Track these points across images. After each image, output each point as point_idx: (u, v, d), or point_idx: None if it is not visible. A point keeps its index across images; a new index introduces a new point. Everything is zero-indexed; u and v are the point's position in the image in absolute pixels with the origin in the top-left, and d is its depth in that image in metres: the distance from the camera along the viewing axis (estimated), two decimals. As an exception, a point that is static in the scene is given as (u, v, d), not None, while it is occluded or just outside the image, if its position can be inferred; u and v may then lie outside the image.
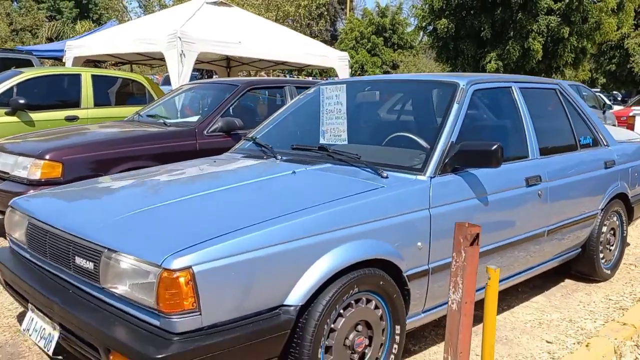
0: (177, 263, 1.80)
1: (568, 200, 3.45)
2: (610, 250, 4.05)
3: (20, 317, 3.10)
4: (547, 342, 3.02)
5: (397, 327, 2.40)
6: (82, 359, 2.18)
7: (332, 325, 2.17)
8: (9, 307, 3.25)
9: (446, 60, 22.38)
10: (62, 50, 11.38)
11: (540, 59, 20.51)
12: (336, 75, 9.21)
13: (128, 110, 7.50)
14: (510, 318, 3.34)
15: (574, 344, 2.97)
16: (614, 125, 12.19)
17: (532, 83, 3.62)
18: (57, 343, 2.16)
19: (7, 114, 6.68)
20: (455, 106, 2.90)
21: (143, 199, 2.49)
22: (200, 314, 1.83)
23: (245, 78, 6.07)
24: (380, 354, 2.37)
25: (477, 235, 1.64)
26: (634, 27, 26.62)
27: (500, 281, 3.11)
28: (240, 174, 2.89)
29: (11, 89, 6.85)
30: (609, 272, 4.01)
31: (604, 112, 11.76)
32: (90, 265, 2.08)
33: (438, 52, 22.43)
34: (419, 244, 2.48)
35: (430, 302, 2.64)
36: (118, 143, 4.55)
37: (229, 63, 11.30)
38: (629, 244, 4.98)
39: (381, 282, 2.30)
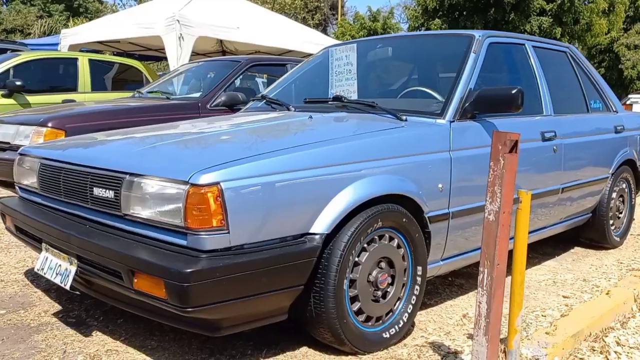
0: (205, 178, 1.75)
1: (581, 159, 3.44)
2: (619, 217, 4.04)
3: (28, 273, 3.03)
4: (564, 297, 2.99)
5: (419, 269, 2.36)
6: (100, 295, 2.12)
7: (357, 259, 2.12)
8: (15, 265, 3.17)
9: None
10: (56, 44, 11.29)
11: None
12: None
13: (125, 95, 7.45)
14: (526, 277, 3.30)
15: (591, 298, 2.94)
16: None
17: (544, 43, 3.60)
18: (74, 276, 2.08)
19: (3, 96, 6.59)
20: (472, 55, 2.87)
21: (164, 135, 2.43)
22: (229, 233, 1.77)
23: (248, 56, 6.02)
24: (402, 293, 2.32)
25: (516, 142, 1.60)
26: (623, 30, 26.91)
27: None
28: (256, 121, 2.83)
29: (8, 71, 6.77)
30: (618, 239, 3.99)
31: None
32: (110, 193, 2.01)
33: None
34: (440, 185, 2.44)
35: (450, 251, 2.60)
36: (121, 113, 4.49)
37: (225, 54, 11.24)
38: (634, 219, 4.98)
39: (404, 220, 2.26)
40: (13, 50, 10.38)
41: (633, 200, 4.17)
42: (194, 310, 1.71)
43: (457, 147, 2.53)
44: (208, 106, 4.90)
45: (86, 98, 7.22)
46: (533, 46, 3.41)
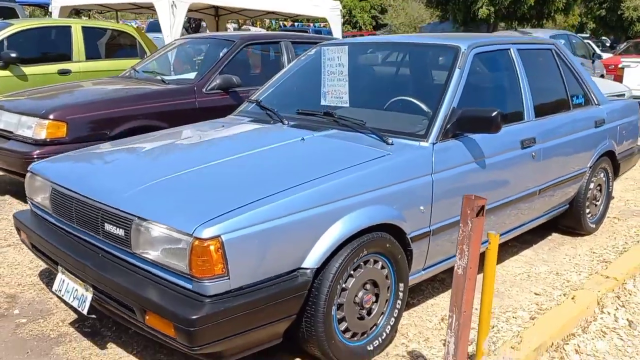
0: (208, 232, 1.95)
1: (560, 159, 3.63)
2: (596, 205, 4.28)
3: (42, 275, 3.27)
4: (535, 294, 3.26)
5: (401, 285, 2.61)
6: (115, 317, 2.36)
7: (344, 285, 2.36)
8: (29, 265, 3.41)
9: (436, 6, 22.08)
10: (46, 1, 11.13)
11: (532, 4, 20.31)
12: (328, 26, 9.16)
13: (119, 63, 7.48)
14: (501, 271, 3.58)
15: (560, 295, 3.22)
16: (602, 75, 12.32)
17: (529, 44, 3.72)
18: (91, 303, 2.32)
19: (-1, 68, 6.65)
20: (457, 71, 3.01)
21: (165, 165, 2.61)
22: (229, 278, 2.00)
23: (240, 32, 6.05)
24: (385, 308, 2.58)
25: (483, 207, 1.81)
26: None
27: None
28: (252, 140, 3.01)
29: (1, 42, 6.78)
30: (593, 226, 4.25)
31: (593, 62, 11.84)
32: (120, 232, 2.22)
33: (428, -3, 22.09)
34: (422, 207, 2.65)
35: (430, 260, 2.85)
36: (121, 102, 4.62)
37: (218, 12, 11.13)
38: (613, 197, 5.23)
39: (387, 245, 2.49)
40: (2, 9, 10.27)
41: (610, 187, 4.40)
42: (200, 348, 1.97)
43: (439, 169, 2.73)
44: (204, 90, 5.03)
45: (81, 67, 7.30)
46: (518, 49, 3.53)
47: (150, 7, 8.89)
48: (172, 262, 2.06)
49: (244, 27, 14.93)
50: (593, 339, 2.73)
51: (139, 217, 2.15)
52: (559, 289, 3.31)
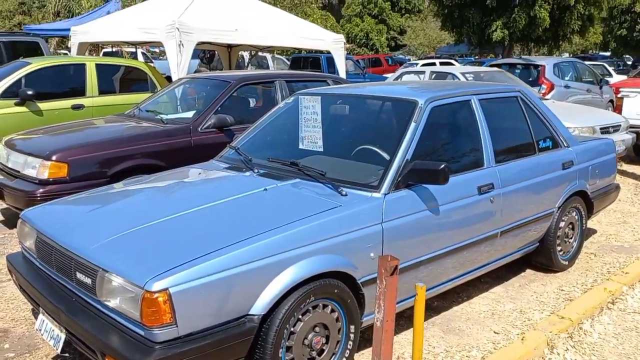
0: (157, 285, 2.20)
1: (522, 202, 3.80)
2: (568, 242, 4.41)
3: (34, 311, 3.55)
4: (495, 332, 3.43)
5: (352, 327, 2.82)
6: (86, 355, 2.62)
7: (292, 329, 2.58)
8: (24, 300, 3.70)
9: (452, 29, 22.30)
10: (67, 29, 11.68)
11: (547, 27, 20.39)
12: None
13: (131, 98, 7.89)
14: (467, 309, 3.75)
15: (517, 334, 3.37)
16: (612, 100, 12.31)
17: (492, 93, 3.92)
18: (64, 343, 2.59)
19: (16, 104, 7.09)
20: (412, 125, 3.24)
21: (131, 217, 2.87)
22: (177, 326, 2.24)
23: (238, 72, 6.36)
24: (337, 349, 2.79)
25: (396, 267, 2.02)
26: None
27: (455, 278, 3.52)
28: (220, 189, 3.26)
29: (19, 80, 7.23)
30: (566, 263, 4.39)
31: (600, 88, 11.88)
32: (88, 280, 2.49)
33: (443, 20, 22.34)
34: (372, 254, 2.87)
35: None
36: (119, 142, 4.94)
37: (230, 43, 11.54)
38: (595, 231, 5.35)
39: (336, 290, 2.70)
40: (26, 49, 10.84)
41: (584, 225, 4.53)
42: (153, 389, 2.21)
43: (389, 218, 2.94)
44: (199, 129, 5.34)
45: (94, 102, 7.72)
46: (479, 99, 3.73)
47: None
48: (128, 310, 2.31)
49: (258, 55, 15.35)
50: (536, 380, 2.89)
51: (102, 269, 2.42)
52: (518, 328, 3.47)
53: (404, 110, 3.41)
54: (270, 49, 13.61)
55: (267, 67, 17.68)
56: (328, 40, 9.28)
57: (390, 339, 2.08)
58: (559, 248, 4.29)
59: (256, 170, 3.41)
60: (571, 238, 4.44)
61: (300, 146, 3.60)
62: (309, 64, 17.71)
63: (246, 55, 15.26)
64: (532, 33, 20.88)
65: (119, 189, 3.50)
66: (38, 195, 4.58)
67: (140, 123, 5.55)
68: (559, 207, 4.15)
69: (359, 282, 2.81)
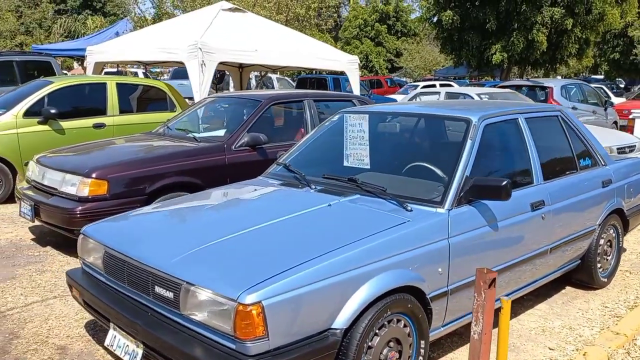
0: (250, 298, 2.22)
1: (568, 219, 3.86)
2: (607, 260, 4.47)
3: (88, 327, 3.54)
4: (550, 349, 3.45)
5: (422, 342, 2.84)
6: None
7: (370, 343, 2.60)
8: (75, 317, 3.69)
9: (451, 52, 22.65)
10: (77, 50, 11.79)
11: (545, 50, 20.77)
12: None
13: (150, 117, 7.96)
14: (517, 325, 3.77)
15: (573, 350, 3.40)
16: (616, 122, 12.54)
17: (536, 112, 4.00)
18: (142, 357, 2.59)
19: (39, 123, 7.12)
20: (469, 142, 3.30)
21: (207, 230, 2.89)
22: (268, 340, 2.25)
23: (266, 92, 6.43)
24: (408, 364, 2.81)
25: (494, 280, 2.05)
26: (637, 15, 26.73)
27: (510, 294, 3.54)
28: (284, 205, 3.28)
29: (42, 99, 7.26)
30: (605, 280, 4.43)
31: (605, 110, 12.08)
32: (170, 294, 2.50)
33: (442, 43, 22.69)
34: (440, 269, 2.90)
35: (449, 317, 3.07)
36: (157, 160, 4.97)
37: (242, 63, 11.66)
38: (625, 250, 5.40)
39: (409, 305, 2.73)
40: (38, 68, 10.89)
41: (621, 242, 4.59)
42: (243, 402, 2.21)
43: (455, 234, 2.98)
44: (233, 147, 5.37)
45: (115, 121, 7.76)
46: (525, 118, 3.81)
47: (179, 62, 9.41)
48: (217, 324, 2.32)
49: (266, 76, 15.50)
50: (603, 394, 2.91)
51: (187, 282, 2.43)
52: (572, 344, 3.49)
53: (459, 127, 3.47)
54: (275, 70, 13.72)
55: (273, 87, 17.82)
56: (343, 61, 9.41)
57: (488, 351, 2.10)
58: (599, 265, 4.34)
59: (313, 187, 3.45)
60: (609, 255, 4.50)
61: (345, 163, 3.65)
62: (315, 84, 17.89)
63: (252, 75, 15.40)
64: (530, 56, 21.26)
65: (178, 205, 3.52)
66: (78, 212, 4.58)
67: (174, 141, 5.58)
68: (599, 225, 4.21)
69: (428, 296, 2.84)
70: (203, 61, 7.60)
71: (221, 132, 5.79)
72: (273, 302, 2.26)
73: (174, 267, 2.54)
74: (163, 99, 8.43)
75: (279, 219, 2.95)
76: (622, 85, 32.76)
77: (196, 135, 5.67)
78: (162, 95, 8.44)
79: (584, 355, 3.09)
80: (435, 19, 22.40)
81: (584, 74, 43.77)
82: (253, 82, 14.74)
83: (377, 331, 2.62)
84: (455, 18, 20.81)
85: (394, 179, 3.49)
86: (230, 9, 9.32)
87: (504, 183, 2.98)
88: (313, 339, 2.40)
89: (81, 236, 3.20)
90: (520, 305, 4.07)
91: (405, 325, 2.76)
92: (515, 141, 3.74)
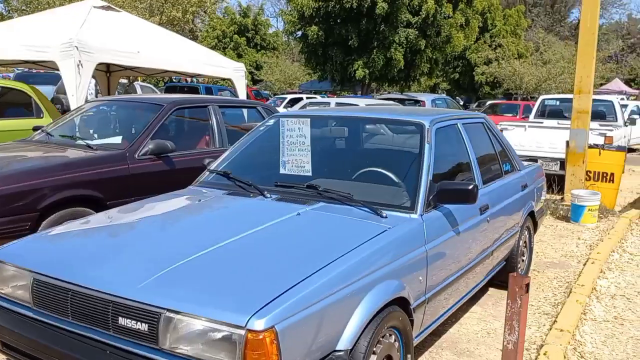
0: (261, 324, 1.88)
1: (503, 222, 3.97)
2: (523, 260, 4.69)
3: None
4: (501, 350, 3.47)
5: (409, 356, 2.67)
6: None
7: (369, 363, 2.37)
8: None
9: (315, 66, 23.14)
10: None
11: (402, 68, 22.07)
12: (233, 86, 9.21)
13: (11, 124, 6.96)
14: (462, 330, 3.78)
15: (526, 350, 3.46)
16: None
17: (468, 118, 4.08)
18: (102, 408, 2.09)
19: None
20: (427, 146, 3.23)
21: (168, 249, 2.45)
22: (281, 370, 1.93)
23: (165, 96, 5.91)
24: (395, 382, 2.62)
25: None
26: (474, 40, 29.47)
27: (462, 298, 3.53)
28: (246, 216, 2.91)
29: None
30: (523, 279, 4.65)
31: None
32: (143, 326, 2.05)
33: (307, 57, 23.09)
34: (420, 278, 2.77)
35: (424, 325, 2.95)
36: (50, 171, 4.25)
37: (109, 67, 10.72)
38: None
39: (400, 318, 2.55)
40: None
41: (532, 243, 4.86)
42: None
43: (429, 239, 2.87)
44: (136, 156, 4.80)
45: (-32, 127, 6.61)
46: (463, 124, 3.86)
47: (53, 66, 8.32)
48: (217, 357, 1.94)
49: (134, 83, 14.47)
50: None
51: (168, 310, 2.01)
52: (519, 344, 3.56)
53: (413, 131, 3.39)
54: (138, 77, 12.88)
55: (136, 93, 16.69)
56: (229, 69, 9.04)
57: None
58: (519, 266, 4.53)
59: (268, 195, 3.13)
60: (524, 256, 4.73)
61: (282, 171, 3.41)
62: (184, 92, 17.09)
63: (123, 84, 14.28)
64: (388, 73, 22.46)
65: (112, 222, 2.98)
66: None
67: (63, 150, 4.85)
68: (520, 226, 4.41)
69: (411, 307, 2.69)
70: (80, 61, 6.78)
71: (117, 140, 5.16)
72: (286, 326, 1.94)
73: (144, 293, 2.09)
74: (27, 104, 7.41)
75: (247, 232, 2.60)
76: (461, 103, 36.04)
77: (89, 142, 4.98)
78: (25, 99, 7.42)
79: (544, 354, 3.15)
80: (299, 34, 22.74)
81: (426, 92, 47.43)
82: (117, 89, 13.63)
83: (374, 349, 2.40)
84: (319, 34, 21.29)
85: (350, 185, 3.29)
86: (102, 7, 8.50)
87: (471, 187, 2.94)
88: (320, 365, 2.11)
89: (-11, 262, 2.55)
90: (459, 309, 4.09)
91: (395, 340, 2.58)
92: (458, 146, 3.76)
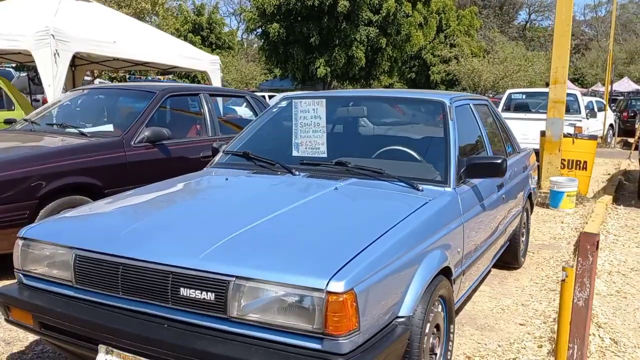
0: (341, 286, 1.84)
1: (512, 200, 4.05)
2: (522, 240, 4.80)
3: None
4: (520, 324, 3.55)
5: (452, 327, 2.68)
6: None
7: (426, 331, 2.36)
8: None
9: (276, 64, 23.06)
10: None
11: (363, 66, 22.26)
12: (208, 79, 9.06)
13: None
14: (477, 307, 3.82)
15: (541, 323, 3.54)
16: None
17: (476, 100, 4.14)
18: (165, 383, 2.00)
19: None
20: (450, 122, 3.25)
21: (221, 219, 2.38)
22: (359, 332, 1.90)
23: (158, 84, 5.76)
24: (441, 351, 2.62)
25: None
26: (429, 40, 29.99)
27: (484, 271, 3.58)
28: (286, 192, 2.84)
29: None
30: (523, 259, 4.76)
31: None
32: (209, 296, 1.98)
33: (268, 55, 22.98)
34: (458, 249, 2.79)
35: (456, 298, 2.97)
36: (50, 157, 4.09)
37: (75, 61, 10.35)
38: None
39: (447, 287, 2.56)
40: None
41: (529, 224, 4.98)
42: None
43: (464, 212, 2.90)
44: (132, 143, 4.65)
45: None
46: (473, 104, 3.91)
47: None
48: (292, 322, 1.89)
49: (97, 79, 14.00)
50: None
51: (237, 277, 1.95)
52: (536, 318, 3.64)
53: (434, 110, 3.42)
54: (120, 70, 12.49)
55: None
56: (205, 61, 8.88)
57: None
58: (521, 245, 4.64)
59: (297, 173, 3.08)
60: (523, 236, 4.84)
61: (295, 153, 3.37)
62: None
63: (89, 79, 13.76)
64: (349, 71, 22.61)
65: (140, 197, 2.87)
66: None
67: (55, 137, 4.65)
68: (522, 206, 4.50)
69: (452, 278, 2.70)
70: (57, 50, 6.53)
71: (109, 127, 4.98)
72: (363, 289, 1.91)
73: (209, 262, 2.02)
74: (-4, 95, 7.09)
75: (293, 205, 2.55)
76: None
77: (82, 130, 4.79)
78: (-6, 90, 7.10)
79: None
80: (260, 31, 22.61)
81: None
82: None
83: (429, 317, 2.40)
84: (281, 31, 21.24)
85: (375, 162, 3.28)
86: (72, -3, 8.20)
87: (501, 160, 2.98)
88: (386, 330, 2.09)
89: (22, 241, 2.41)
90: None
91: (442, 310, 2.58)
92: (472, 124, 3.80)
